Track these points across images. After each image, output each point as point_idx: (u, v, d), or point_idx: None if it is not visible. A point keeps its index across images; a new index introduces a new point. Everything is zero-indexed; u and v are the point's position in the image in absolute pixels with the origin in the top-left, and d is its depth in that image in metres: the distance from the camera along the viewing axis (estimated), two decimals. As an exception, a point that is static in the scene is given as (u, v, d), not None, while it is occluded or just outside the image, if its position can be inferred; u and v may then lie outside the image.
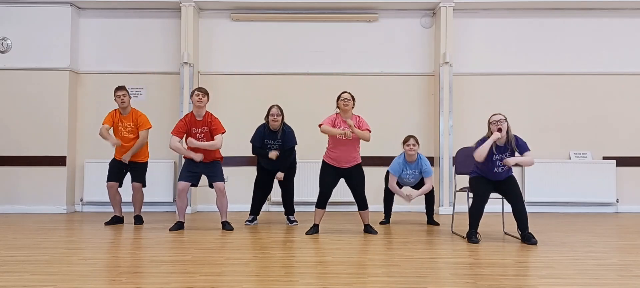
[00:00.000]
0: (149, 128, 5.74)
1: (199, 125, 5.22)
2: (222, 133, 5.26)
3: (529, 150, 4.56)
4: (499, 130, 4.46)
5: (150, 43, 7.31)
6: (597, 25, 7.35)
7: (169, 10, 7.30)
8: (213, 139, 5.22)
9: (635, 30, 7.33)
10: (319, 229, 5.16)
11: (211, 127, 5.23)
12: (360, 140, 4.95)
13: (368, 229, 5.07)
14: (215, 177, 5.27)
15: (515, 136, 4.58)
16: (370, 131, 4.93)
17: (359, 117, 4.99)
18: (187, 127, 5.23)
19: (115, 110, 5.73)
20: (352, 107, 4.94)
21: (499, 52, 7.33)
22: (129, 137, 5.64)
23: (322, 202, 5.01)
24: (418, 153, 5.51)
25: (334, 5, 7.21)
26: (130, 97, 5.74)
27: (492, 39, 7.35)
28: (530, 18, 7.35)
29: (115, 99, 5.65)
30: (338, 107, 4.97)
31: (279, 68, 7.30)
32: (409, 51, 7.37)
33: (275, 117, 5.52)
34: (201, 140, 5.17)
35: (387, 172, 5.72)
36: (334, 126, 4.90)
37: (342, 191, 6.03)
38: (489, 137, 4.50)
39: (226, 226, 5.27)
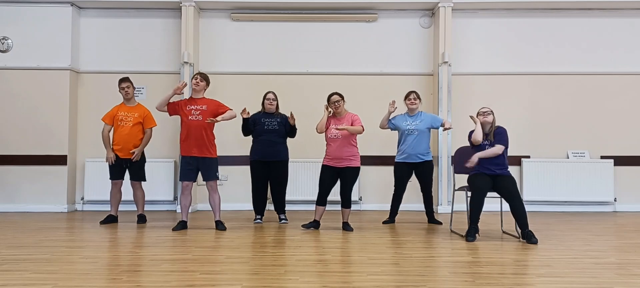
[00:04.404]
0: (154, 126, 5.83)
1: (195, 103, 5.24)
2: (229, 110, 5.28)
3: (503, 145, 4.78)
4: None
5: (150, 43, 7.33)
6: (595, 25, 7.36)
7: (170, 10, 7.31)
8: (214, 116, 5.23)
9: (634, 31, 7.35)
10: (319, 225, 5.34)
11: (216, 106, 5.26)
12: (355, 138, 5.24)
13: (345, 226, 5.26)
14: (209, 174, 5.29)
15: (503, 129, 4.87)
16: (362, 127, 5.20)
17: (354, 116, 5.27)
18: (180, 104, 5.27)
19: (118, 105, 5.78)
20: (343, 106, 5.28)
21: (498, 52, 7.35)
22: (130, 130, 5.63)
23: (320, 199, 5.29)
24: (420, 111, 5.85)
25: (333, 5, 7.23)
26: (134, 88, 5.81)
27: (491, 38, 7.36)
28: (528, 18, 7.37)
29: (119, 91, 5.72)
30: (329, 108, 5.30)
31: (279, 68, 7.31)
32: (408, 51, 7.39)
33: (271, 101, 5.79)
34: (197, 117, 5.17)
35: (394, 167, 5.84)
36: (327, 127, 5.27)
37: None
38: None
39: (219, 226, 5.28)
